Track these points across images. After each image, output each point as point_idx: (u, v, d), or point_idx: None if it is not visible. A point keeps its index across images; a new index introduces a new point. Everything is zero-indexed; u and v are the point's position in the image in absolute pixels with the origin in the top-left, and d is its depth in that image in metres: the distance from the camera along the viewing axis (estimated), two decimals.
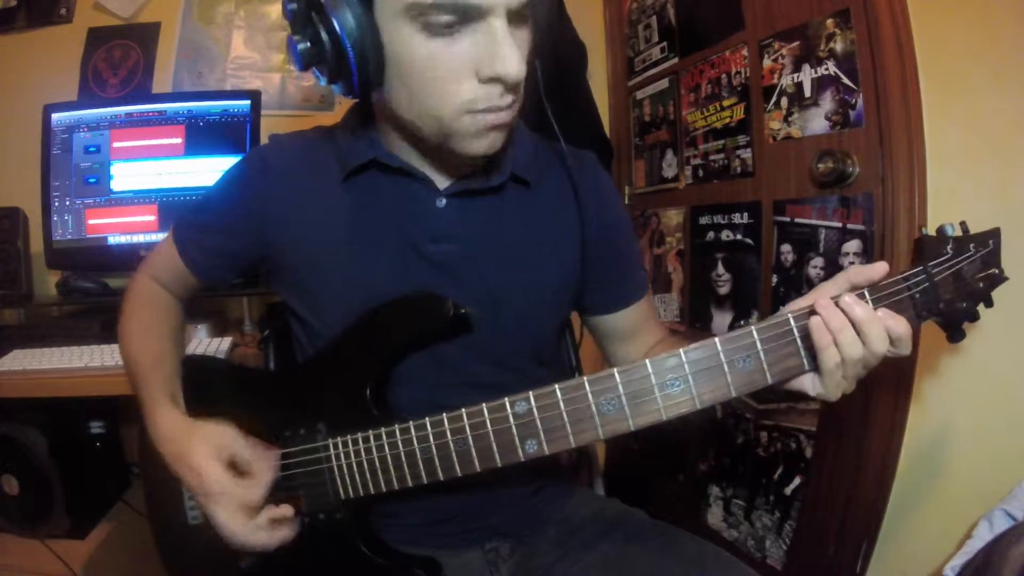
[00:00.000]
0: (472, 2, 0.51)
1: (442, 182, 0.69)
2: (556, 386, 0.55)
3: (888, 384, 0.93)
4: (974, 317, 0.55)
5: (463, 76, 0.55)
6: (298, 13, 0.55)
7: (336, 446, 0.65)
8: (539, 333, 0.75)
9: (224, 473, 0.61)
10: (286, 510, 0.65)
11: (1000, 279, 0.55)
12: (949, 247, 0.54)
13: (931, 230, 0.56)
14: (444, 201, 0.68)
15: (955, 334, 0.56)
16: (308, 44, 0.55)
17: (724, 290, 1.28)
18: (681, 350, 0.53)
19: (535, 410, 0.56)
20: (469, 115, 0.57)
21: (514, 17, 0.54)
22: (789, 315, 0.52)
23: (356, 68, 0.54)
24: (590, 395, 0.54)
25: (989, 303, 0.56)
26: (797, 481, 1.11)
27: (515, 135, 0.70)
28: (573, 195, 0.72)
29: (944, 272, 0.54)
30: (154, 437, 0.66)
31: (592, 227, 0.73)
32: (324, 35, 0.54)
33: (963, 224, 0.56)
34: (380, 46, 0.54)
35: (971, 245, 0.54)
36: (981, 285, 0.54)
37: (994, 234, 0.55)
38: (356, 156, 0.68)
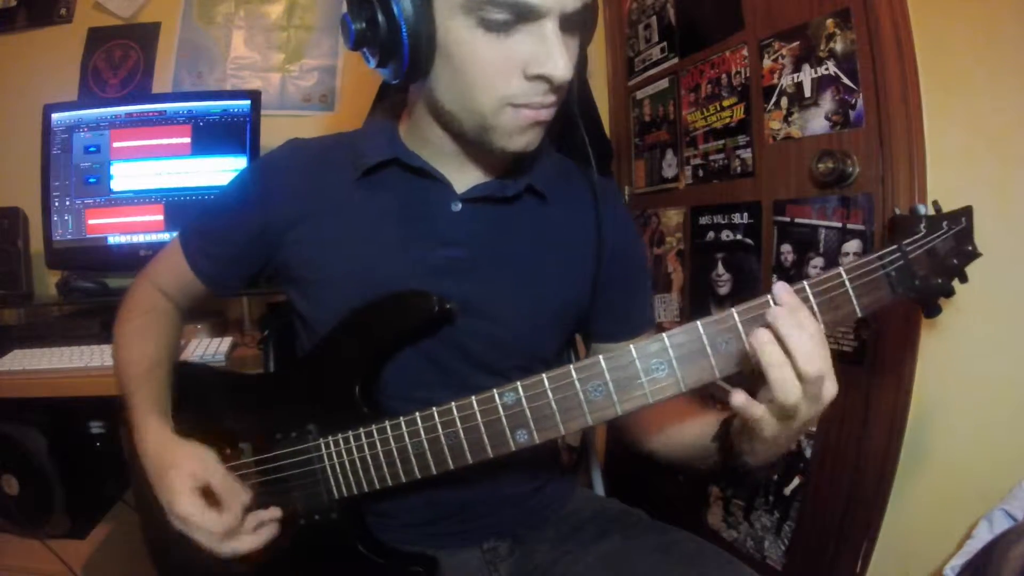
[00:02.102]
0: (530, 2, 0.52)
1: (460, 186, 0.69)
2: (544, 375, 0.56)
3: (888, 384, 0.93)
4: (949, 293, 0.56)
5: (511, 71, 0.56)
6: None
7: (328, 445, 0.65)
8: (536, 350, 0.74)
9: (195, 502, 0.61)
10: (272, 513, 0.65)
11: (973, 255, 0.56)
12: (922, 226, 0.56)
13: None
14: (460, 205, 0.68)
15: (931, 310, 0.57)
16: (363, 25, 0.56)
17: (724, 290, 1.28)
18: (664, 334, 0.53)
19: (524, 400, 0.56)
20: (511, 108, 0.58)
21: (566, 23, 0.55)
22: (768, 297, 0.52)
23: (408, 54, 0.55)
24: (577, 383, 0.55)
25: (964, 279, 0.57)
26: (796, 481, 1.11)
27: (539, 149, 0.70)
28: (593, 220, 0.72)
29: (918, 250, 0.55)
30: (139, 450, 0.66)
31: (607, 255, 0.72)
32: (381, 17, 0.55)
33: (935, 203, 0.57)
34: (434, 34, 0.55)
35: (944, 223, 0.56)
36: (955, 261, 0.55)
37: (966, 212, 0.56)
38: (376, 153, 0.68)
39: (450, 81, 0.58)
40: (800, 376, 0.48)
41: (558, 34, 0.54)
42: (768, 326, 0.49)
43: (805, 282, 0.53)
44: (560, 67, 0.55)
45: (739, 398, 0.50)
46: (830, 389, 0.50)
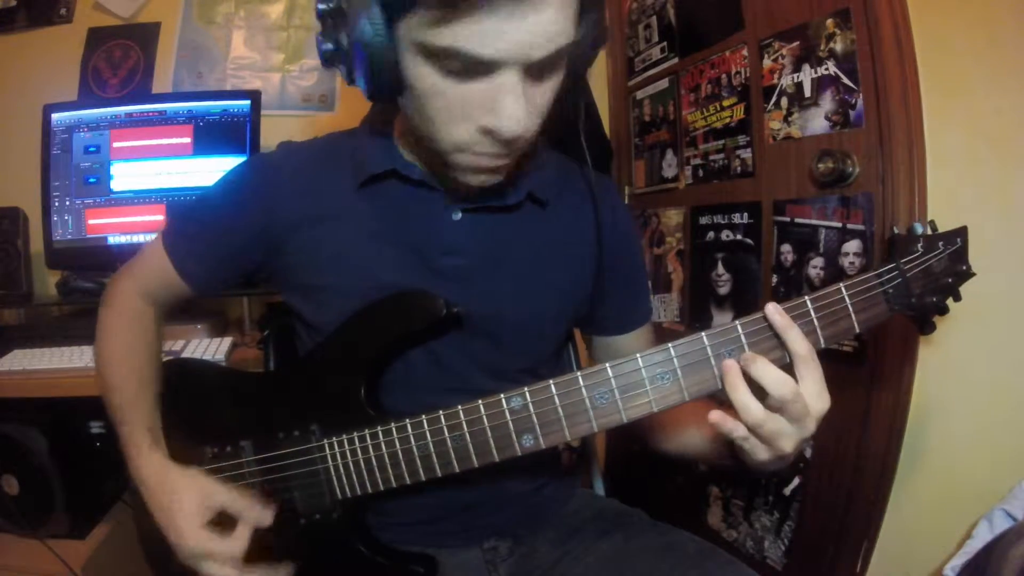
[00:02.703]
0: (481, 57, 0.48)
1: (459, 195, 0.68)
2: (551, 381, 0.56)
3: (888, 384, 0.93)
4: (943, 311, 0.58)
5: (464, 119, 0.54)
6: (325, 15, 0.55)
7: (332, 446, 0.65)
8: (539, 351, 0.75)
9: (204, 535, 0.61)
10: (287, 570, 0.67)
11: (967, 275, 0.57)
12: (919, 245, 0.57)
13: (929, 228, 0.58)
14: (459, 215, 0.68)
15: (926, 327, 0.59)
16: (331, 46, 0.55)
17: (724, 290, 1.28)
18: (670, 344, 0.54)
19: (531, 405, 0.57)
20: (462, 154, 0.56)
21: (534, 72, 0.52)
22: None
23: (369, 79, 0.53)
24: (584, 389, 0.56)
25: (957, 297, 0.58)
26: (796, 481, 1.11)
27: (536, 155, 0.70)
28: (592, 219, 0.72)
29: (915, 269, 0.56)
30: (136, 481, 0.66)
31: (606, 250, 0.73)
32: (344, 42, 0.53)
33: (932, 223, 0.58)
34: (396, 63, 0.53)
35: (940, 243, 0.57)
36: (950, 280, 0.57)
37: (961, 232, 0.57)
38: (375, 164, 0.67)
39: (414, 111, 0.57)
40: (770, 403, 0.51)
41: (518, 86, 0.51)
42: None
43: (806, 296, 0.54)
44: (508, 124, 0.51)
45: (714, 415, 0.53)
46: (817, 407, 0.52)
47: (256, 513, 0.64)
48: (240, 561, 0.62)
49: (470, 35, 0.47)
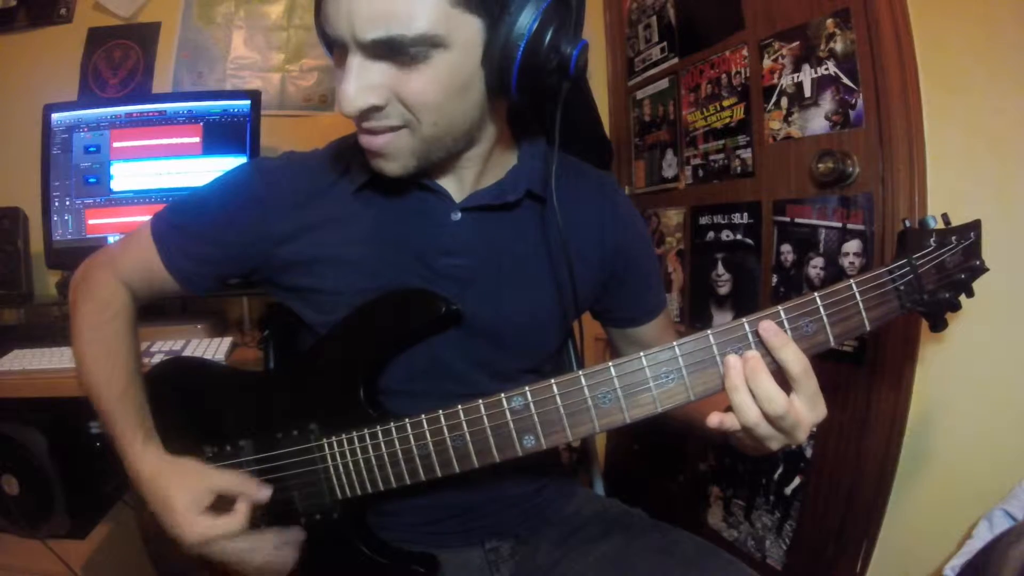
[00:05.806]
0: (326, 33, 0.55)
1: (458, 195, 0.68)
2: (552, 381, 0.56)
3: (888, 384, 0.93)
4: (956, 307, 0.56)
5: None
6: None
7: (331, 446, 0.65)
8: (541, 350, 0.75)
9: (204, 521, 0.62)
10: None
11: (981, 270, 0.56)
12: (932, 239, 0.55)
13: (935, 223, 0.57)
14: (459, 215, 0.67)
15: (938, 324, 0.57)
16: None
17: (724, 290, 1.28)
18: (675, 343, 0.54)
19: (532, 405, 0.56)
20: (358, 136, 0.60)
21: (373, 52, 0.53)
22: (780, 308, 0.53)
23: None
24: (586, 389, 0.55)
25: (970, 293, 0.56)
26: (797, 481, 1.11)
27: (529, 152, 0.70)
28: (594, 218, 0.72)
29: (927, 264, 0.55)
30: (133, 478, 0.66)
31: (609, 248, 0.73)
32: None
33: (945, 216, 0.57)
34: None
35: (953, 237, 0.55)
36: (963, 276, 0.55)
37: (975, 226, 0.56)
38: (369, 167, 0.66)
39: None
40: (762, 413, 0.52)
41: (352, 65, 0.54)
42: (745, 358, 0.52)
43: (816, 293, 0.53)
44: (338, 99, 0.55)
45: (713, 420, 0.54)
46: (810, 418, 0.53)
47: (253, 489, 0.65)
48: (240, 535, 0.63)
49: (323, 15, 0.54)
